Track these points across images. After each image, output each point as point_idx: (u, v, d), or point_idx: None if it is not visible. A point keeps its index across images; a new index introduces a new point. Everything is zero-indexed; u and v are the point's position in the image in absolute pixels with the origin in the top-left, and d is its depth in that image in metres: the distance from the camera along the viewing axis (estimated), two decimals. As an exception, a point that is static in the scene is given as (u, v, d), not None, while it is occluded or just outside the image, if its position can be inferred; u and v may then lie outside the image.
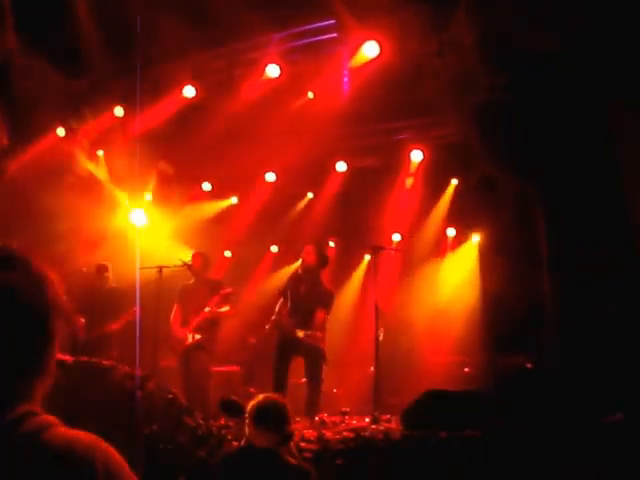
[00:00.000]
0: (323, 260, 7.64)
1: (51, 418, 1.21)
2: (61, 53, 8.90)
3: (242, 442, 3.86)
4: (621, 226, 6.98)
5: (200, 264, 8.21)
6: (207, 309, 7.89)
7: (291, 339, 7.29)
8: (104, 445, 1.21)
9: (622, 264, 6.95)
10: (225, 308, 8.04)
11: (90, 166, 10.51)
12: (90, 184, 10.51)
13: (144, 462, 4.98)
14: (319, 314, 7.34)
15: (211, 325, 8.06)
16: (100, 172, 10.62)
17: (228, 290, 8.10)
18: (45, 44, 8.61)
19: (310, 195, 12.29)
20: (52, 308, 1.28)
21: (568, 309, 7.35)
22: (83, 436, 1.21)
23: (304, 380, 7.63)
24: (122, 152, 10.43)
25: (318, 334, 7.24)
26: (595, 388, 6.13)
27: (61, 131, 9.89)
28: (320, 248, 7.68)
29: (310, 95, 9.34)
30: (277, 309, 7.73)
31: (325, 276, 8.08)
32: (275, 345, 7.56)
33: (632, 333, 6.61)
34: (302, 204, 12.31)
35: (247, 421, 3.70)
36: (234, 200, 12.27)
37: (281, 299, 7.78)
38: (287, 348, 7.43)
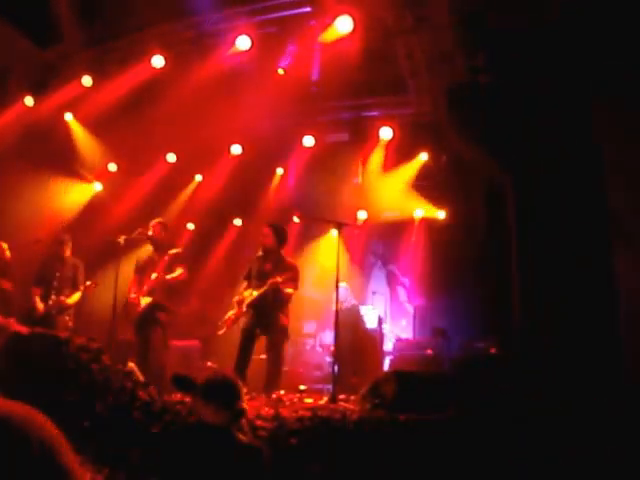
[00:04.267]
0: (281, 239, 7.66)
1: None
2: (31, 22, 8.67)
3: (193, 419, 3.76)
4: (593, 212, 6.94)
5: (159, 232, 8.19)
6: (154, 275, 7.88)
7: (259, 318, 7.28)
8: (39, 417, 1.18)
9: (591, 248, 6.93)
10: (177, 272, 8.00)
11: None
12: (52, 155, 10.30)
13: (97, 436, 4.89)
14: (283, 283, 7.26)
15: (165, 292, 8.00)
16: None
17: (175, 251, 8.05)
18: (14, 12, 8.37)
19: (280, 171, 12.22)
20: None
21: (535, 294, 7.34)
22: (18, 408, 1.17)
23: (264, 356, 7.57)
24: (89, 122, 10.27)
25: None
26: (559, 373, 6.12)
27: (29, 100, 9.61)
28: (276, 229, 7.66)
29: (280, 71, 9.19)
30: (241, 290, 7.72)
31: (287, 253, 8.03)
32: (242, 323, 7.49)
33: (598, 317, 6.61)
34: (273, 180, 12.24)
35: (197, 397, 3.60)
36: (199, 178, 12.23)
37: (245, 283, 7.74)
38: (254, 326, 7.37)
